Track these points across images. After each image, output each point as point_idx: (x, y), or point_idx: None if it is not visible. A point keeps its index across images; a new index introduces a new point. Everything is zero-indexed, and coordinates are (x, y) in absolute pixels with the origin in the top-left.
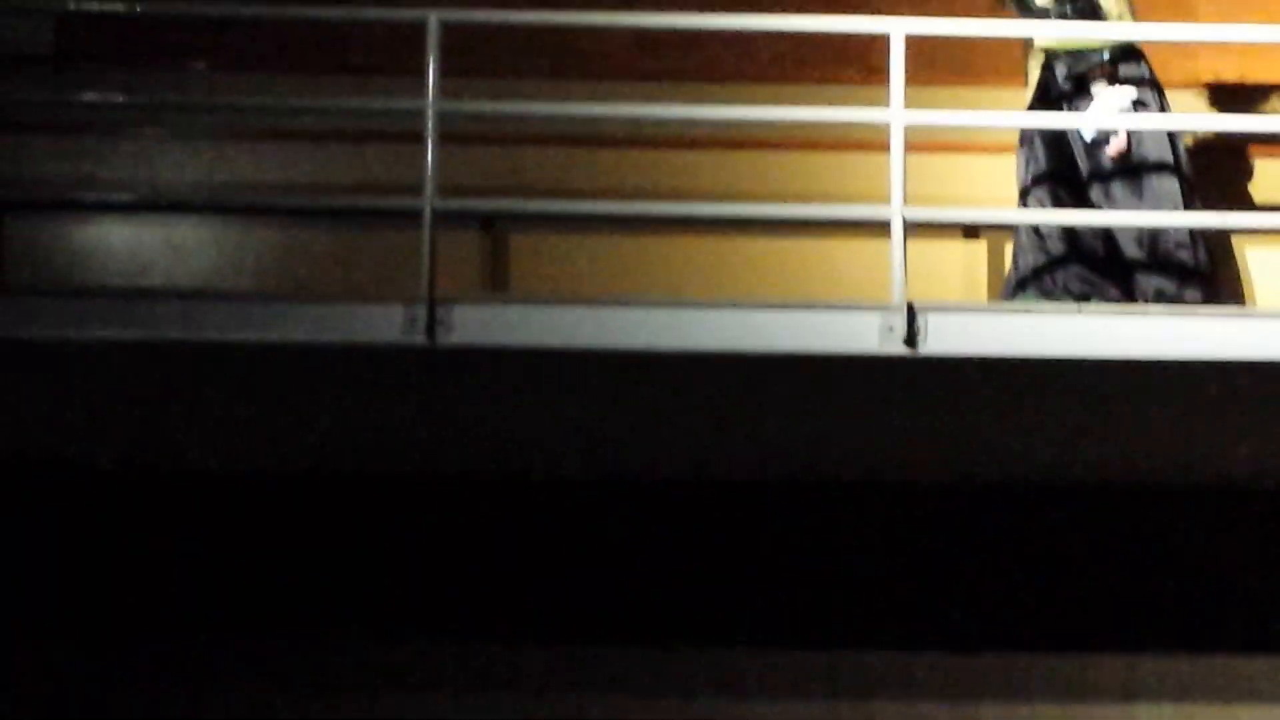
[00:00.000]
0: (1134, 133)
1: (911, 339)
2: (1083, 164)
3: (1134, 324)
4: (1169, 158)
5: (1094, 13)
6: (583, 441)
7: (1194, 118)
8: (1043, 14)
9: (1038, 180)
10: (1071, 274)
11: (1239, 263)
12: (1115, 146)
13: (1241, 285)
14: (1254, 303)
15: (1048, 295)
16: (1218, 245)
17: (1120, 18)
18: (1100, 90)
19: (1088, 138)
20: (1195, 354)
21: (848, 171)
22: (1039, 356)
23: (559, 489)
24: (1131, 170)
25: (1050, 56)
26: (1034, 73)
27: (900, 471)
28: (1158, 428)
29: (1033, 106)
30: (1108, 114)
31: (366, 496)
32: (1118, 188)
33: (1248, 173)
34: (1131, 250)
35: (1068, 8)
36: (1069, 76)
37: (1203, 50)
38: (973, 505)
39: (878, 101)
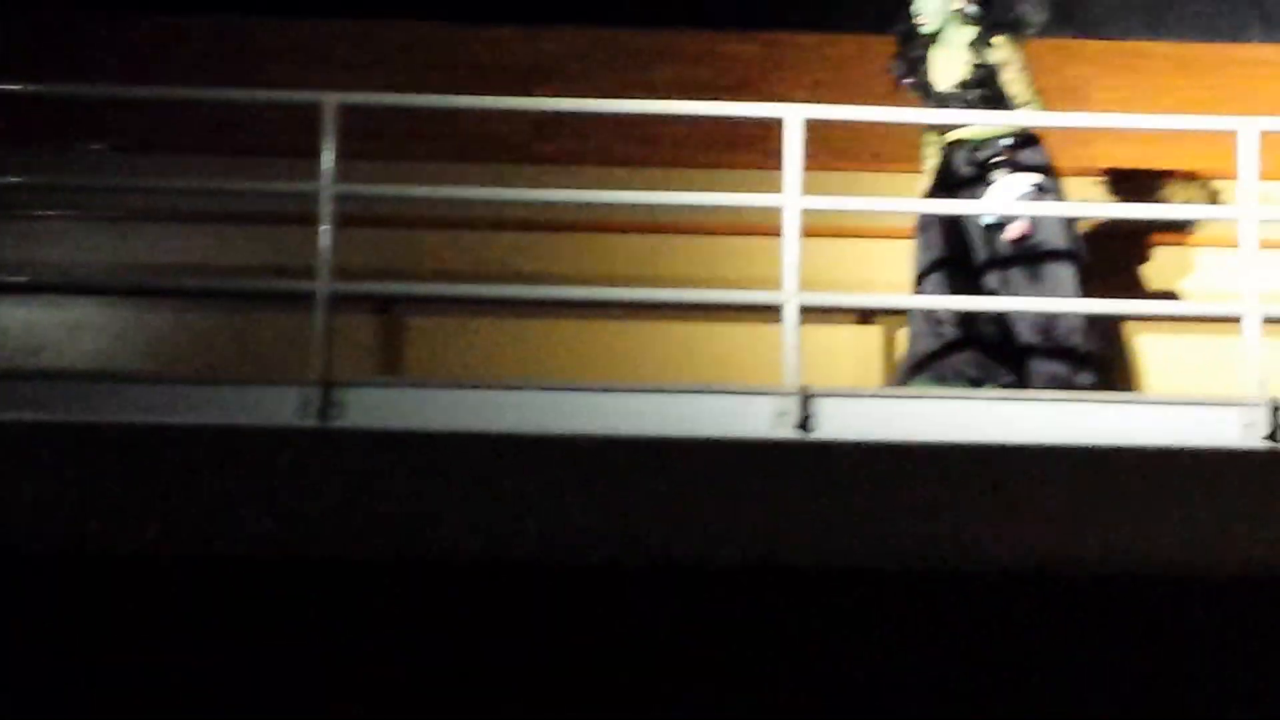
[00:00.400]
0: (1033, 218)
1: (804, 424)
2: (979, 249)
3: (1026, 409)
4: (1065, 244)
5: (999, 100)
6: (478, 524)
7: (1091, 205)
8: (946, 100)
9: (934, 266)
10: (966, 359)
11: (1131, 348)
12: (1015, 230)
13: (1133, 371)
14: (1145, 389)
15: (943, 380)
16: (1110, 331)
17: (1029, 104)
18: (1001, 176)
19: (986, 222)
20: (1087, 439)
21: (745, 255)
22: (932, 441)
23: (455, 571)
24: (1028, 256)
25: (951, 141)
26: (932, 157)
27: (794, 556)
28: (1050, 512)
29: (931, 191)
30: (1009, 200)
31: (260, 580)
32: (1015, 273)
33: (1140, 259)
34: (1026, 336)
35: (973, 94)
36: (970, 162)
37: (1098, 137)
38: (866, 590)
39: (775, 185)
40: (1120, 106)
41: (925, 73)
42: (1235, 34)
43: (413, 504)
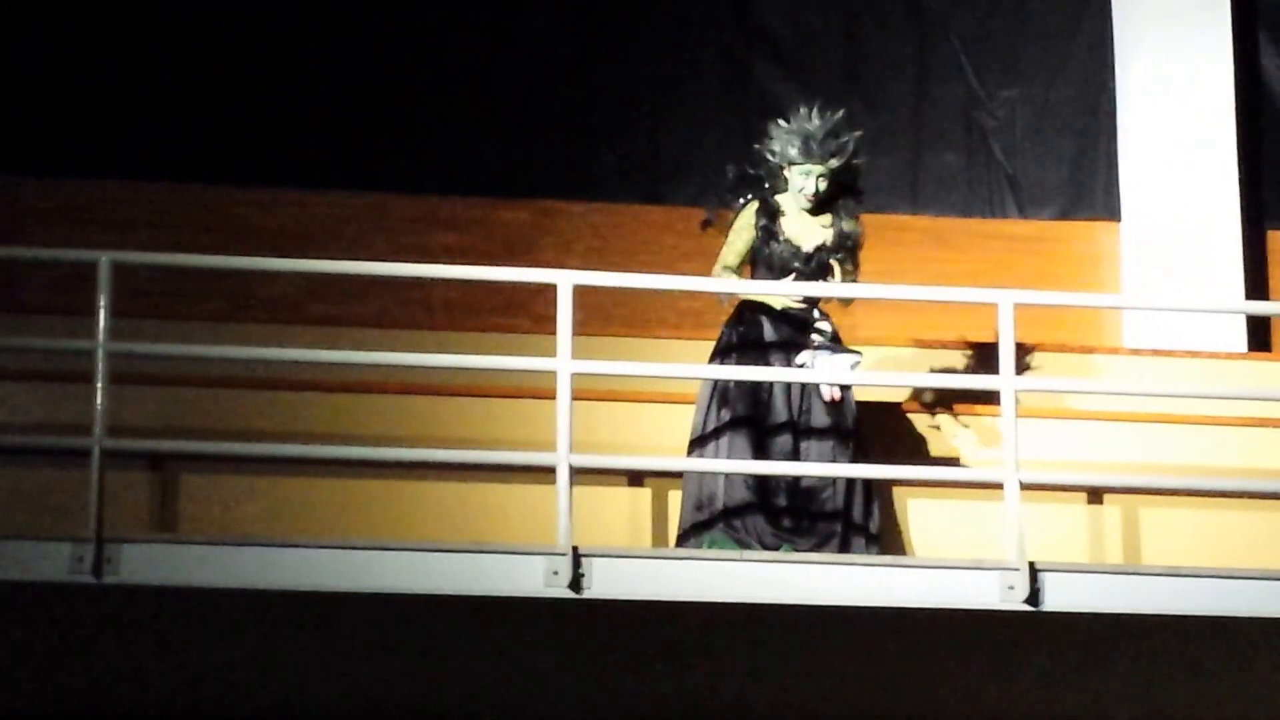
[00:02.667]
0: (845, 389)
1: (577, 583)
2: (783, 411)
3: (794, 570)
4: (851, 423)
5: (841, 266)
6: (252, 681)
7: (886, 375)
8: (806, 259)
9: (734, 424)
10: (763, 523)
11: (899, 512)
12: (830, 392)
13: (900, 535)
14: (911, 552)
15: (740, 542)
16: (879, 495)
17: (849, 276)
18: (821, 342)
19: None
20: (854, 600)
21: (518, 417)
22: (702, 600)
23: None
24: (832, 427)
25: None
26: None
27: (565, 714)
28: (818, 670)
29: (737, 350)
30: (835, 369)
31: None
32: (828, 445)
33: (906, 426)
34: (818, 504)
35: (833, 257)
36: (783, 322)
37: (858, 306)
38: None
39: (549, 349)
40: (880, 278)
41: (781, 228)
42: (989, 210)
43: (187, 660)
